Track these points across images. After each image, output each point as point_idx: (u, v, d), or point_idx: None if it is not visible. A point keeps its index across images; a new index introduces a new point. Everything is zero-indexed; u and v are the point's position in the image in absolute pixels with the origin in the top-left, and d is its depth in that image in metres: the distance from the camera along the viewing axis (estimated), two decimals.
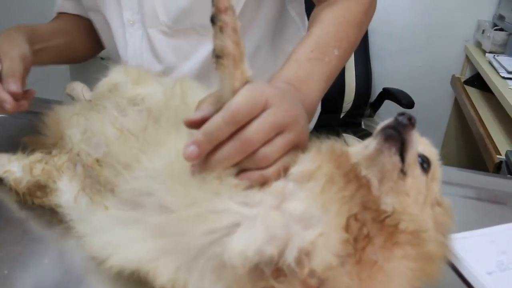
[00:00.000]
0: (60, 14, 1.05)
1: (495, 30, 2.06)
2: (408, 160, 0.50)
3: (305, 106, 0.57)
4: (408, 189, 0.50)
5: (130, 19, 0.90)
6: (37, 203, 0.70)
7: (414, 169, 0.51)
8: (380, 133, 0.50)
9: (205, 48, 0.92)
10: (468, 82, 2.18)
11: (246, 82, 0.48)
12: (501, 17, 2.11)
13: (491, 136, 1.63)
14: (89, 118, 0.67)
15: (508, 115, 1.57)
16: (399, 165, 0.49)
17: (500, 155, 1.44)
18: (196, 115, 0.48)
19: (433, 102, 2.41)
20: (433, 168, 0.54)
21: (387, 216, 0.47)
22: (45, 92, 1.06)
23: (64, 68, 2.26)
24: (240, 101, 0.46)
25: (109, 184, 0.57)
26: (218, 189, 0.47)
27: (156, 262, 0.48)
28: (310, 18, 0.80)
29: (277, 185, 0.48)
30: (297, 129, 0.50)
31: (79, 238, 0.61)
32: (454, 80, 2.33)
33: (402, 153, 0.50)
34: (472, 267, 0.59)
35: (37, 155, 0.69)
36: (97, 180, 0.59)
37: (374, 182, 0.49)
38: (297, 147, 0.51)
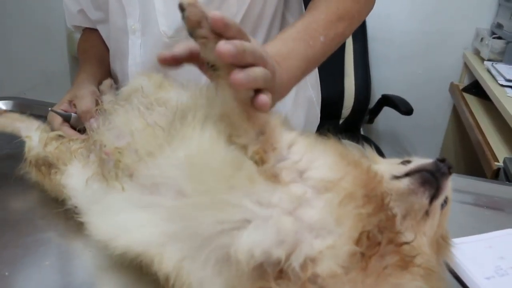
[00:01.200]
0: (85, 29, 1.09)
1: (494, 38, 2.07)
2: (435, 204, 0.52)
3: (282, 80, 0.60)
4: (426, 229, 0.51)
5: (132, 27, 0.91)
6: (37, 179, 0.72)
7: (437, 212, 0.53)
8: (418, 175, 0.51)
9: None
10: (467, 89, 2.19)
11: None
12: (499, 26, 2.12)
13: (489, 143, 1.64)
14: (113, 112, 0.69)
15: (506, 123, 1.57)
16: (427, 208, 0.51)
17: (498, 162, 1.45)
18: (168, 53, 0.51)
19: (432, 109, 2.42)
20: (448, 205, 0.56)
21: (406, 243, 0.47)
22: (45, 95, 1.08)
23: (64, 72, 2.27)
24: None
25: (128, 170, 0.58)
26: (234, 183, 0.48)
27: (163, 247, 0.48)
28: (307, 7, 0.82)
29: (296, 190, 0.48)
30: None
31: (81, 237, 0.62)
32: (452, 88, 2.34)
33: (432, 198, 0.51)
34: (470, 272, 0.60)
35: (57, 133, 0.74)
36: (114, 167, 0.59)
37: (398, 215, 0.50)
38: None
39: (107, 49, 1.02)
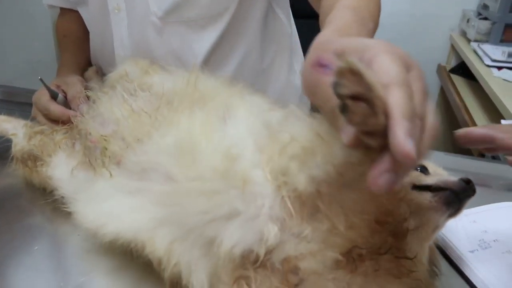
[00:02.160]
0: (62, 9, 1.05)
1: (480, 19, 2.08)
2: (447, 220, 0.51)
3: None
4: (431, 240, 0.51)
5: (115, 7, 0.89)
6: (24, 175, 0.71)
7: (444, 224, 0.52)
8: (443, 194, 0.49)
9: (195, 44, 0.91)
10: (454, 70, 2.21)
11: None
12: (485, 7, 2.13)
13: (475, 123, 1.66)
14: (96, 100, 0.68)
15: (492, 102, 1.59)
16: (439, 224, 0.50)
17: None
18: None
19: None
20: None
21: (407, 258, 0.47)
22: (31, 84, 1.06)
23: (50, 61, 2.24)
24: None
25: (115, 158, 0.57)
26: (226, 174, 0.46)
27: (154, 232, 0.48)
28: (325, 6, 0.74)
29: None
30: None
31: (70, 221, 0.62)
32: (440, 69, 2.35)
33: (450, 215, 0.50)
34: (455, 246, 0.61)
35: (41, 128, 0.73)
36: (101, 155, 0.59)
37: (411, 225, 0.48)
38: None
39: (87, 33, 1.00)
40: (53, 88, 0.80)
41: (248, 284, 0.44)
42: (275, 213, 0.45)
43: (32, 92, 0.86)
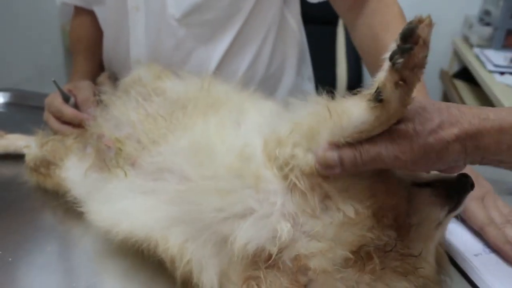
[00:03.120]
0: (76, 10, 1.06)
1: (482, 25, 2.09)
2: (449, 216, 0.52)
3: None
4: (435, 239, 0.51)
5: (134, 6, 0.88)
6: (38, 182, 0.73)
7: (447, 223, 0.53)
8: (441, 188, 0.50)
9: (209, 46, 0.92)
10: (456, 75, 2.22)
11: None
12: (487, 12, 2.14)
13: None
14: (110, 103, 0.70)
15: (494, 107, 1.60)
16: (441, 219, 0.51)
17: None
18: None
19: None
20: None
21: (412, 255, 0.47)
22: (40, 87, 1.08)
23: (58, 65, 2.26)
24: None
25: (130, 159, 0.59)
26: (241, 173, 0.48)
27: (167, 230, 0.50)
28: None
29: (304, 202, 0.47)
30: None
31: (82, 223, 0.63)
32: (442, 74, 2.36)
33: (449, 211, 0.51)
34: (460, 250, 0.62)
35: (53, 136, 0.75)
36: (115, 156, 0.60)
37: (414, 221, 0.49)
38: None
39: (101, 37, 1.01)
40: (65, 89, 0.81)
41: (258, 285, 0.46)
42: (287, 210, 0.47)
43: (42, 95, 0.87)
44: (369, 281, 0.46)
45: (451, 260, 0.62)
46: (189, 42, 0.91)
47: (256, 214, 0.47)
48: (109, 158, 0.61)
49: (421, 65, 0.41)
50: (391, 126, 0.43)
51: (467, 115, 0.43)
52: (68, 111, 0.77)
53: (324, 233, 0.46)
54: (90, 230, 0.63)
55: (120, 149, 0.60)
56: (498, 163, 0.45)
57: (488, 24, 2.09)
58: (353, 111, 0.43)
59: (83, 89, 0.82)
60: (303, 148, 0.47)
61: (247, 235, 0.45)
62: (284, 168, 0.47)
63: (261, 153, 0.50)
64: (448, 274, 0.55)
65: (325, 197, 0.47)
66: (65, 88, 0.83)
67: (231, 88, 0.65)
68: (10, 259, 0.59)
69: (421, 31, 0.41)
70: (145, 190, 0.55)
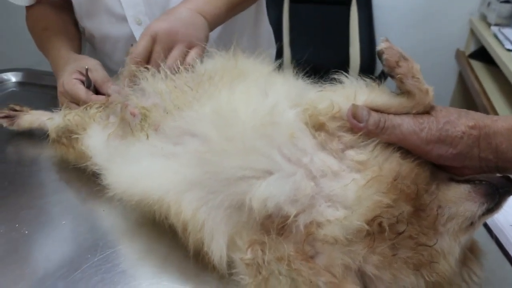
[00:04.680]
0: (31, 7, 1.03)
1: (501, 2, 2.04)
2: (484, 218, 0.50)
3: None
4: (464, 239, 0.49)
5: (136, 17, 0.91)
6: (61, 153, 0.73)
7: (480, 225, 0.51)
8: (482, 185, 0.49)
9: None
10: (473, 55, 2.17)
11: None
12: None
13: (495, 109, 1.64)
14: (139, 75, 0.69)
15: None
16: (475, 219, 0.49)
17: None
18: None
19: (438, 76, 2.40)
20: None
21: (425, 245, 0.46)
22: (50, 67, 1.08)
23: None
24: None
25: (154, 125, 0.59)
26: (268, 132, 0.48)
27: (182, 195, 0.50)
28: None
29: (329, 161, 0.48)
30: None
31: (94, 198, 0.65)
32: (458, 54, 2.32)
33: (487, 211, 0.49)
34: (496, 219, 0.61)
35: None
36: (140, 123, 0.61)
37: (442, 218, 0.48)
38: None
39: (68, 21, 1.00)
40: (76, 73, 0.79)
41: (262, 250, 0.46)
42: (313, 167, 0.47)
43: (53, 74, 0.88)
44: (377, 263, 0.45)
45: (486, 228, 0.61)
46: None
47: (279, 173, 0.47)
48: (134, 124, 0.61)
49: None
50: (417, 111, 0.49)
51: (480, 116, 0.49)
52: (97, 100, 0.75)
53: (344, 197, 0.46)
54: (103, 204, 0.64)
55: (146, 116, 0.60)
56: None
57: (507, 1, 2.04)
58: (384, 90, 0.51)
59: (98, 69, 0.80)
60: (339, 105, 0.49)
61: (267, 192, 0.45)
62: (317, 125, 0.49)
63: (291, 111, 0.51)
64: (477, 281, 0.51)
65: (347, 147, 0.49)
66: (70, 70, 0.81)
67: (259, 61, 0.65)
68: (26, 232, 0.60)
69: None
70: (166, 153, 0.55)
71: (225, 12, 0.83)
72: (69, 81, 0.78)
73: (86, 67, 0.78)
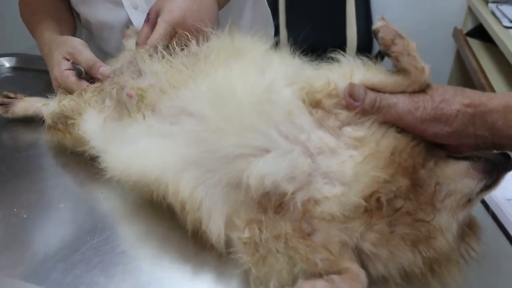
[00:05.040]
0: None
1: None
2: (482, 194, 0.50)
3: None
4: (462, 216, 0.49)
5: (132, 1, 0.89)
6: (57, 139, 0.73)
7: (477, 202, 0.51)
8: (481, 162, 0.49)
9: None
10: (470, 33, 2.16)
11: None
12: None
13: (492, 86, 1.63)
14: (137, 57, 0.69)
15: (510, 65, 1.56)
16: (473, 195, 0.49)
17: None
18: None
19: (435, 55, 2.38)
20: None
21: (423, 220, 0.47)
22: None
23: None
24: None
25: (150, 106, 0.59)
26: (265, 110, 0.48)
27: (180, 174, 0.50)
28: None
29: (326, 138, 0.48)
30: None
31: (92, 182, 0.65)
32: (456, 32, 2.30)
33: (485, 188, 0.50)
34: (493, 194, 0.61)
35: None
36: (137, 104, 0.60)
37: (440, 194, 0.48)
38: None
39: (61, 8, 0.99)
40: (64, 62, 0.78)
41: (259, 228, 0.46)
42: (311, 144, 0.47)
43: None
44: (375, 240, 0.46)
45: (483, 204, 0.62)
46: None
47: (277, 150, 0.47)
48: (130, 105, 0.61)
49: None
50: (413, 90, 0.49)
51: (476, 94, 0.49)
52: (90, 89, 0.73)
53: (341, 173, 0.46)
54: (101, 187, 0.64)
55: (142, 97, 0.60)
56: (509, 141, 0.47)
57: None
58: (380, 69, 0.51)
59: (83, 52, 0.78)
60: (335, 82, 0.50)
61: (264, 169, 0.46)
62: (314, 102, 0.49)
63: (288, 89, 0.51)
64: (475, 256, 0.52)
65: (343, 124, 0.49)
66: (58, 57, 0.79)
67: (256, 39, 0.64)
68: (25, 216, 0.60)
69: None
70: (163, 133, 0.55)
71: None
72: (61, 74, 0.77)
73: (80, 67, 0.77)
